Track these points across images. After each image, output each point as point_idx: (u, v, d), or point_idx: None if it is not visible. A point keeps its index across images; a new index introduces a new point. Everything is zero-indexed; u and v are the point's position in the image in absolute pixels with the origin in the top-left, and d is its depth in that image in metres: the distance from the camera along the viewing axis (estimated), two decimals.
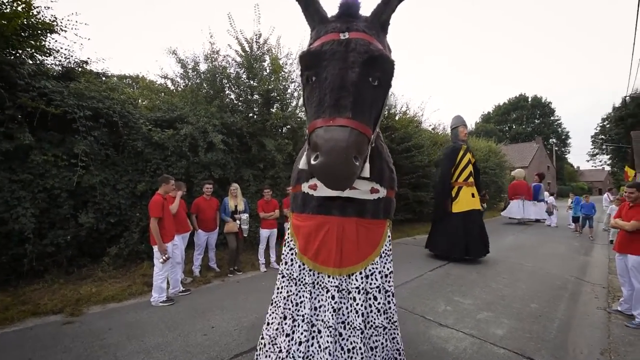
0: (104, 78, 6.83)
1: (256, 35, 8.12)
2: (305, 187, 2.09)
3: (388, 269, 2.13)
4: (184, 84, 8.25)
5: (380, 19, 1.67)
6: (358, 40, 1.49)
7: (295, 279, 2.07)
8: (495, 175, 18.74)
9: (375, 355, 2.00)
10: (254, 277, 5.92)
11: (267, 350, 2.21)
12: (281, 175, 7.78)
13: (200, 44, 23.06)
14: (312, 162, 1.32)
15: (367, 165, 1.52)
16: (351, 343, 1.93)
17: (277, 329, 2.12)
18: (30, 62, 5.44)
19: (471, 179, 7.38)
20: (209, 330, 3.66)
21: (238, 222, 5.85)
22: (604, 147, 48.81)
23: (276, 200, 6.53)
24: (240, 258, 6.27)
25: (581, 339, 3.56)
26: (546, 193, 14.70)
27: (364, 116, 1.44)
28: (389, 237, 2.19)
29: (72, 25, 5.83)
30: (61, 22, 5.70)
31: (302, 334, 1.97)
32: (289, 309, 2.05)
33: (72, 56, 6.14)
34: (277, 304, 2.20)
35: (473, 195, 7.30)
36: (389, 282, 2.12)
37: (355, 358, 1.91)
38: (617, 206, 8.28)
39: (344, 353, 1.93)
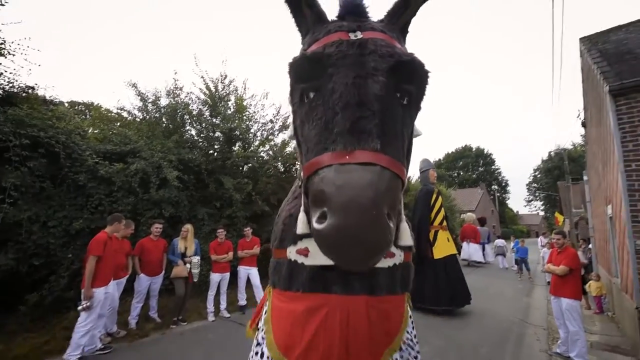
0: (51, 106, 6.39)
1: (222, 76, 8.32)
2: (292, 253, 1.35)
3: None
4: (141, 117, 7.99)
5: (399, 21, 1.16)
6: (377, 40, 0.98)
7: None
8: (447, 219, 19.87)
9: None
10: (200, 327, 5.39)
11: None
12: (238, 215, 7.54)
13: (164, 80, 22.94)
14: (317, 225, 0.75)
15: (405, 225, 1.03)
16: None
17: None
18: None
19: (445, 223, 7.11)
20: None
21: (188, 265, 5.43)
22: (537, 194, 54.87)
23: (230, 241, 6.24)
24: (187, 306, 5.72)
25: None
26: (500, 240, 15.64)
27: (396, 148, 0.90)
28: (410, 318, 1.53)
29: (22, 49, 5.55)
30: (10, 46, 5.40)
31: None
32: None
33: (16, 81, 5.74)
34: None
35: (448, 240, 6.93)
36: None
37: None
38: (549, 249, 9.18)
39: None
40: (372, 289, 1.30)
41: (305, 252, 1.31)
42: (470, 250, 14.02)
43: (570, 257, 4.46)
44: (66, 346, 4.21)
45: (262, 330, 1.41)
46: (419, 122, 1.20)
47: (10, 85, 5.71)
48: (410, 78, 0.97)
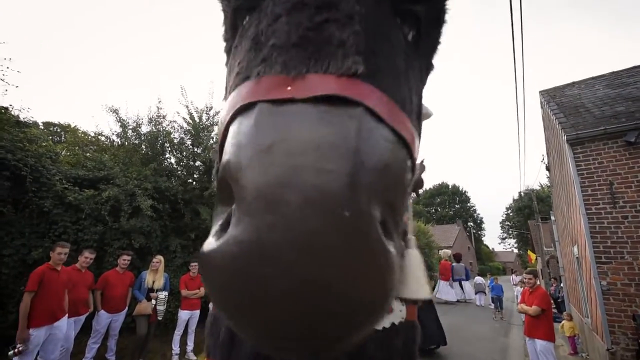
0: (24, 128, 6.18)
1: (207, 107, 8.43)
2: None
3: None
4: (119, 143, 7.84)
5: None
6: None
7: None
8: (425, 255, 20.05)
9: None
10: None
11: None
12: None
13: (147, 107, 22.96)
14: (208, 243, 0.35)
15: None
16: None
17: None
18: None
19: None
20: None
21: (153, 301, 5.07)
22: (510, 232, 56.77)
23: None
24: (149, 346, 5.26)
25: None
26: (479, 277, 15.38)
27: (398, 86, 0.49)
28: None
29: (0, 69, 5.46)
30: None
31: None
32: None
33: None
34: None
35: None
36: None
37: None
38: (522, 288, 9.36)
39: None
40: None
41: None
42: (440, 288, 13.95)
43: (541, 297, 4.57)
44: None
45: None
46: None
47: None
48: None
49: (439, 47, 0.67)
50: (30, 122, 6.71)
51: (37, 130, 7.42)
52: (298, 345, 0.31)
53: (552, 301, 4.79)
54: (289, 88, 0.38)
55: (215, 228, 0.36)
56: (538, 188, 39.30)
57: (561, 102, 6.99)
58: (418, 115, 0.62)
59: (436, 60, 0.69)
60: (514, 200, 55.85)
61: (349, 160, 0.31)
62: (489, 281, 14.43)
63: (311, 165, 0.30)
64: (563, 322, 7.47)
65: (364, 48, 0.43)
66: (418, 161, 0.58)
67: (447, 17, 0.64)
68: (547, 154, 10.76)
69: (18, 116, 6.33)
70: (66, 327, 4.07)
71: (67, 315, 4.07)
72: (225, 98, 0.56)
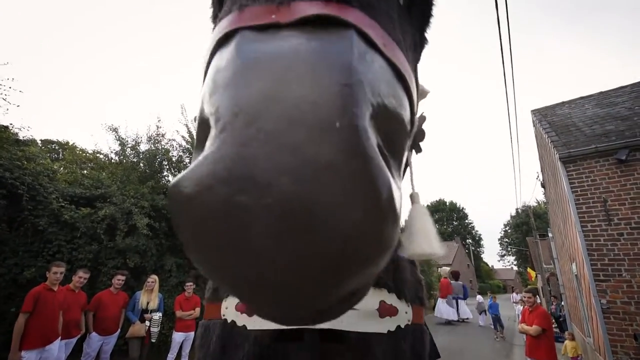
0: (23, 147, 6.22)
1: None
2: (228, 309, 0.81)
3: None
4: (117, 160, 7.87)
5: None
6: None
7: None
8: (424, 273, 19.71)
9: None
10: None
11: None
12: None
13: (146, 126, 23.18)
14: (186, 177, 0.27)
15: (423, 207, 0.59)
16: None
17: None
18: None
19: None
20: None
21: (147, 323, 4.95)
22: (509, 249, 56.46)
23: (198, 296, 5.83)
24: None
25: None
26: (480, 296, 15.17)
27: (396, 29, 0.45)
28: None
29: (3, 89, 5.56)
30: None
31: None
32: None
33: None
34: None
35: None
36: None
37: None
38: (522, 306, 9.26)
39: None
40: None
41: (248, 310, 0.76)
42: (441, 308, 13.67)
43: (541, 316, 4.51)
44: None
45: None
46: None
47: None
48: None
49: (432, 20, 0.64)
50: (29, 140, 6.75)
51: (35, 149, 7.46)
52: (283, 293, 0.25)
53: (553, 320, 4.72)
54: (273, 16, 0.34)
55: (196, 159, 0.28)
56: (535, 204, 39.47)
57: (553, 121, 7.17)
58: (417, 81, 0.58)
59: (429, 34, 0.65)
60: (511, 216, 55.90)
61: (342, 72, 0.28)
62: (488, 300, 14.18)
63: (300, 77, 0.27)
64: (566, 342, 7.33)
65: None
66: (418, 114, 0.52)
67: None
68: (542, 171, 10.90)
69: (17, 134, 6.39)
70: (57, 350, 3.94)
71: (60, 338, 3.97)
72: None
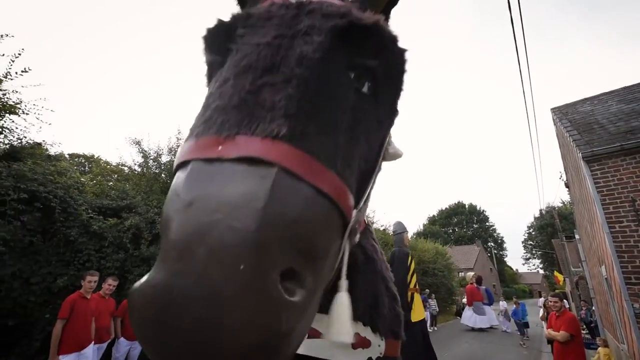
0: (54, 162, 6.62)
1: None
2: None
3: None
4: (140, 172, 8.22)
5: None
6: (327, 1, 0.66)
7: None
8: (445, 278, 19.31)
9: None
10: None
11: None
12: None
13: (167, 138, 24.03)
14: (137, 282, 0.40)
15: (344, 301, 0.56)
16: None
17: None
18: None
19: (417, 286, 7.48)
20: None
21: None
22: (533, 252, 54.19)
23: None
24: None
25: None
26: (503, 302, 14.69)
27: (329, 147, 0.53)
28: None
29: (37, 109, 5.94)
30: (25, 106, 5.79)
31: None
32: None
33: (25, 137, 6.04)
34: None
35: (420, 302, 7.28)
36: None
37: None
38: (542, 311, 9.01)
39: None
40: None
41: None
42: (467, 315, 13.24)
43: (569, 321, 4.35)
44: None
45: None
46: (398, 140, 0.85)
47: (19, 141, 5.99)
48: (373, 52, 0.63)
49: (402, 93, 0.72)
50: (59, 155, 7.17)
51: (65, 163, 7.90)
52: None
53: (582, 326, 4.53)
54: (219, 148, 0.44)
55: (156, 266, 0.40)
56: (560, 205, 37.83)
57: (574, 119, 6.95)
58: (368, 172, 0.67)
59: (401, 105, 0.75)
60: (535, 218, 53.73)
61: (253, 219, 0.37)
62: (512, 306, 13.65)
63: (221, 222, 0.36)
64: (599, 349, 6.99)
65: (294, 110, 0.48)
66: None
67: (407, 67, 0.69)
68: (565, 170, 10.52)
69: (48, 150, 6.80)
70: (92, 354, 4.15)
71: (93, 342, 4.18)
72: None
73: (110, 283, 4.77)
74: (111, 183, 7.84)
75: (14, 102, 5.61)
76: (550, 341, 9.20)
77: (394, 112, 0.75)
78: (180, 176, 0.45)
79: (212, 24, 0.67)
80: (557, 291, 6.35)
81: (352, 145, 0.59)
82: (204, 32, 0.67)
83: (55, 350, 3.64)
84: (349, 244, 0.57)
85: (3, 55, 5.44)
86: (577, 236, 11.64)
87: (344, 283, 0.57)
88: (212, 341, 0.33)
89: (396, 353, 0.97)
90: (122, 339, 4.88)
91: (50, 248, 5.43)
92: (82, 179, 7.79)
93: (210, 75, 0.70)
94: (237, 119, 0.47)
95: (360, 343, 0.86)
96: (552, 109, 8.30)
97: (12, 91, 5.61)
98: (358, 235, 0.68)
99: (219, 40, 0.65)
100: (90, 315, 4.10)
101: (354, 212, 0.56)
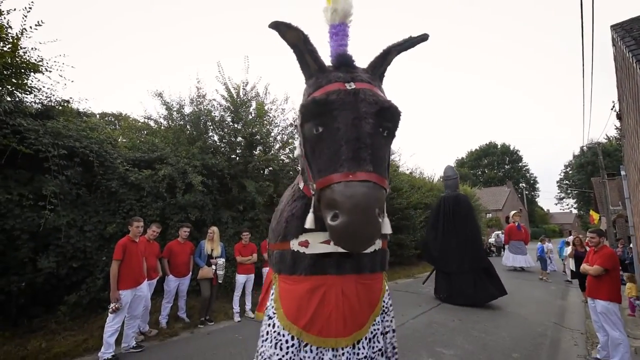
0: (85, 117, 6.80)
1: (244, 82, 8.52)
2: (294, 245, 1.71)
3: (389, 326, 1.88)
4: (166, 125, 8.33)
5: (378, 71, 1.60)
6: (366, 90, 1.35)
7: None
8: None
9: None
10: (227, 327, 5.52)
11: None
12: (261, 218, 7.68)
13: (187, 88, 23.80)
14: (330, 222, 1.11)
15: (387, 220, 1.27)
16: None
17: None
18: (9, 99, 5.39)
19: None
20: None
21: (214, 267, 5.59)
22: (569, 191, 51.99)
23: (254, 244, 6.36)
24: (213, 306, 5.88)
25: None
26: (549, 243, 13.65)
27: (381, 168, 1.28)
28: (387, 290, 1.95)
29: (58, 66, 5.93)
30: (47, 63, 5.78)
31: None
32: None
33: (53, 95, 6.15)
34: None
35: None
36: (391, 341, 1.88)
37: None
38: (571, 248, 9.29)
39: None
40: (359, 270, 1.71)
41: (305, 244, 1.68)
42: (507, 255, 13.14)
43: (605, 257, 4.21)
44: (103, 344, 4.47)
45: (272, 307, 1.77)
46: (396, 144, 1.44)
47: (48, 99, 6.12)
48: (389, 119, 1.37)
49: (398, 130, 1.44)
50: (89, 112, 7.34)
51: (96, 119, 8.14)
52: (361, 247, 1.13)
53: (617, 262, 4.37)
54: (351, 176, 1.15)
55: (330, 216, 1.13)
56: (605, 141, 34.88)
57: (639, 37, 5.92)
58: (388, 166, 1.45)
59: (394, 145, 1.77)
60: (574, 156, 50.39)
61: (370, 197, 1.10)
62: (538, 245, 13.27)
63: (361, 200, 1.08)
64: (627, 285, 6.93)
65: (372, 160, 1.22)
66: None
67: (400, 123, 1.42)
68: (619, 100, 9.39)
69: (77, 108, 6.96)
70: (146, 289, 4.68)
71: (146, 279, 4.69)
72: (318, 173, 1.31)
73: (154, 229, 5.18)
74: (142, 139, 8.04)
75: (35, 60, 5.61)
76: (576, 276, 9.20)
77: (394, 137, 1.47)
78: (338, 186, 1.15)
79: (308, 100, 1.36)
80: (594, 227, 6.15)
81: (385, 161, 1.38)
82: (302, 104, 1.40)
83: (115, 286, 4.10)
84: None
85: (15, 9, 5.31)
86: (623, 172, 10.81)
87: (387, 219, 1.31)
88: (369, 232, 1.08)
89: (385, 247, 1.92)
90: (170, 276, 5.44)
91: (96, 200, 5.86)
92: (114, 135, 8.06)
93: (312, 129, 1.36)
94: (355, 165, 1.19)
95: None
96: (612, 26, 7.08)
97: (32, 48, 5.58)
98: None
99: (315, 111, 1.34)
100: (141, 256, 4.53)
101: (388, 189, 1.34)
